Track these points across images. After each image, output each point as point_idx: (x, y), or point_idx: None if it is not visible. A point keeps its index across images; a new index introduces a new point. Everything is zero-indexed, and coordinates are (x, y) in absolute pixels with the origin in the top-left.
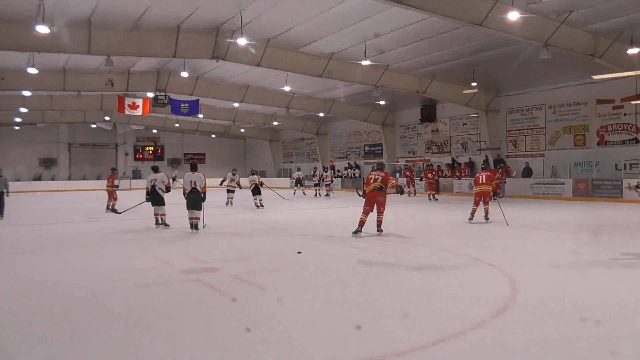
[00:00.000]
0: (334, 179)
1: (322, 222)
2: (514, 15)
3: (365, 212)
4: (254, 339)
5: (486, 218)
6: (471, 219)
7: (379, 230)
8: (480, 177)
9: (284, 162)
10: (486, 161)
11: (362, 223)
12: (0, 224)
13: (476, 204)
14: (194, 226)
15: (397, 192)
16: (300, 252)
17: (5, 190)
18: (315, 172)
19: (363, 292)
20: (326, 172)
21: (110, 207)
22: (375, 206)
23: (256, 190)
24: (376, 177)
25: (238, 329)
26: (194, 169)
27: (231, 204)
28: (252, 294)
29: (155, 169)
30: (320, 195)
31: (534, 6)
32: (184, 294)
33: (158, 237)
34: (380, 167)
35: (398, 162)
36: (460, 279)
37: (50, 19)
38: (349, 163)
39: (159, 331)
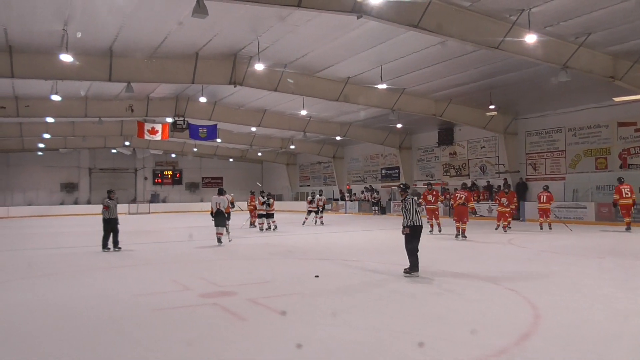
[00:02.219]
0: (326, 205)
1: (339, 245)
2: (531, 38)
3: (457, 221)
4: None
5: (550, 227)
6: (541, 228)
7: (464, 236)
8: (542, 196)
9: (300, 186)
10: (505, 184)
11: (458, 229)
12: (25, 247)
13: (541, 217)
14: (219, 240)
15: (472, 213)
16: (317, 276)
17: (116, 217)
18: (313, 197)
19: (381, 317)
20: (320, 195)
21: (252, 223)
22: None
23: (271, 214)
24: (461, 195)
25: (255, 354)
26: (220, 193)
27: (268, 228)
28: (270, 318)
29: (221, 192)
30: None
31: (551, 29)
32: (201, 318)
33: (175, 261)
34: (464, 187)
35: (415, 185)
36: (481, 305)
37: (73, 48)
38: (365, 187)
39: (176, 356)
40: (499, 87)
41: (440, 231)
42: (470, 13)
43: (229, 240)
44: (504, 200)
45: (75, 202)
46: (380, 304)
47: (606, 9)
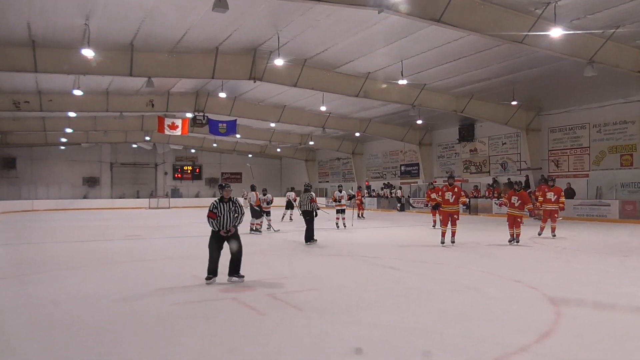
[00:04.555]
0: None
1: (358, 242)
2: (556, 32)
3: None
4: None
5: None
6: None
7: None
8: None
9: (320, 182)
10: (527, 182)
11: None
12: (48, 240)
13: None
14: (252, 230)
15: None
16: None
17: (309, 209)
18: (341, 191)
19: (401, 314)
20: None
21: (360, 215)
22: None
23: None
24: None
25: (274, 349)
26: (252, 189)
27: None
28: (288, 314)
29: (253, 188)
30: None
31: (577, 22)
32: (220, 313)
33: (195, 256)
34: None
35: (435, 182)
36: (501, 302)
37: (95, 43)
38: (384, 183)
39: (196, 351)
40: (522, 83)
41: (453, 242)
42: (493, 7)
43: (267, 228)
44: (550, 194)
45: (97, 196)
46: (399, 301)
47: (636, 0)
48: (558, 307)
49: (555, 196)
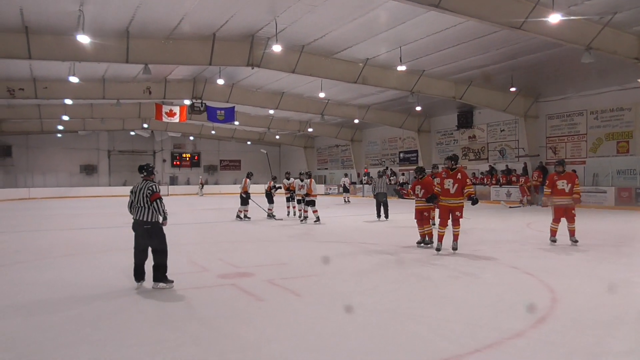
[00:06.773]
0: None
1: (356, 229)
2: (555, 18)
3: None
4: (288, 345)
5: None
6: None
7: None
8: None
9: (318, 169)
10: (525, 168)
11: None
12: (45, 228)
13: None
14: (238, 217)
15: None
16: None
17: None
18: (302, 181)
19: (398, 300)
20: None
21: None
22: None
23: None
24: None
25: (272, 334)
26: (248, 177)
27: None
28: (287, 299)
29: (248, 175)
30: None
31: (575, 8)
32: (219, 299)
33: (193, 242)
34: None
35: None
36: (498, 288)
37: (90, 29)
38: (384, 169)
39: (194, 336)
40: (521, 69)
41: (455, 249)
42: None
43: (249, 217)
44: (561, 182)
45: (95, 184)
46: (397, 287)
47: None
48: (554, 293)
49: (569, 185)
